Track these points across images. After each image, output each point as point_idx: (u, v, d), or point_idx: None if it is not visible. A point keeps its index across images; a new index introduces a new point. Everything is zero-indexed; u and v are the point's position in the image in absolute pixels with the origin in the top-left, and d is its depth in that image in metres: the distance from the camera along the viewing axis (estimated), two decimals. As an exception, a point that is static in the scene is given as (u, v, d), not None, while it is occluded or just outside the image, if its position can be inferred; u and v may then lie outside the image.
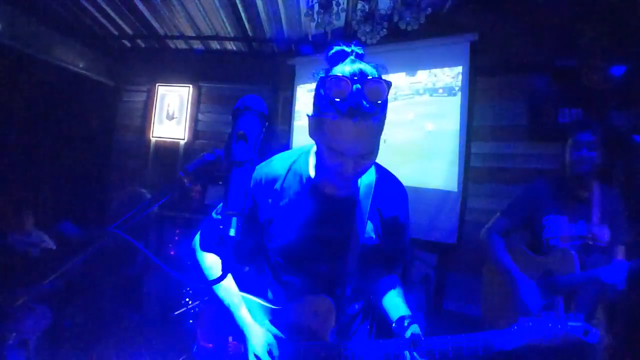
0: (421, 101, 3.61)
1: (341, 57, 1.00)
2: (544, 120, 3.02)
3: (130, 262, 4.19)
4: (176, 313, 3.49)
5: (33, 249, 3.50)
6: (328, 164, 1.05)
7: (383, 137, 1.02)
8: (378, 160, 1.11)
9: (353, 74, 0.94)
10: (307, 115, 1.07)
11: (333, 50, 1.01)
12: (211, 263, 1.27)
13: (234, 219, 0.76)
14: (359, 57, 1.01)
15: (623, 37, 2.79)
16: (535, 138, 3.09)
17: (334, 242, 1.17)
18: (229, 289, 1.23)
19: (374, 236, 1.19)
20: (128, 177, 4.75)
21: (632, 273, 1.78)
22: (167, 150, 4.68)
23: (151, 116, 4.72)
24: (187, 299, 3.59)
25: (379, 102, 0.93)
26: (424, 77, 3.61)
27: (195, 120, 4.69)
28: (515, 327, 1.11)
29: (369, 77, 0.94)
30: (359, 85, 0.92)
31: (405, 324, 1.12)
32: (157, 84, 4.71)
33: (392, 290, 1.27)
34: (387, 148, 3.75)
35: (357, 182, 1.18)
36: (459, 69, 3.39)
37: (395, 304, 1.23)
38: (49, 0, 3.72)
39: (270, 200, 1.20)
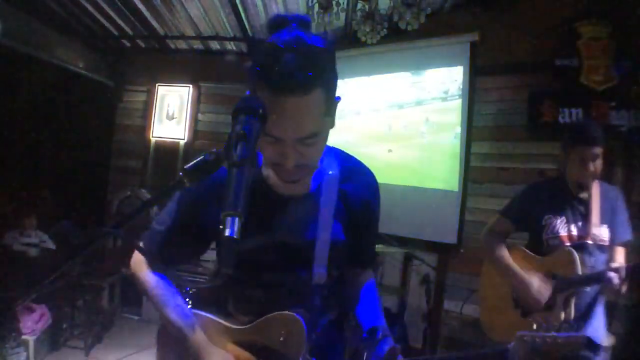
0: (421, 101, 3.61)
1: (281, 26, 0.86)
2: (544, 120, 3.02)
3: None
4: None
5: (33, 249, 3.50)
6: (266, 154, 0.89)
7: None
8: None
9: (289, 42, 0.80)
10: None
11: (272, 18, 0.86)
12: (159, 284, 1.09)
13: (234, 220, 0.75)
14: (303, 27, 0.86)
15: (623, 37, 2.79)
16: (535, 138, 3.09)
17: (297, 246, 1.02)
18: (178, 309, 1.05)
19: (342, 236, 1.04)
20: (128, 177, 4.76)
21: (633, 273, 1.78)
22: (167, 150, 4.69)
23: (151, 116, 4.72)
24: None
25: (318, 73, 0.80)
26: (424, 77, 3.61)
27: (195, 120, 4.69)
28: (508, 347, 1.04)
29: (305, 44, 0.80)
30: (292, 53, 0.78)
31: (378, 337, 1.01)
32: (157, 84, 4.71)
33: (366, 295, 1.15)
34: (388, 148, 3.75)
35: (316, 174, 1.02)
36: (459, 69, 3.39)
37: (368, 311, 1.11)
38: (49, 0, 3.72)
39: (216, 209, 0.96)
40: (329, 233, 1.02)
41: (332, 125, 0.92)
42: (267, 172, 1.02)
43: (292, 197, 1.02)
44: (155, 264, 1.08)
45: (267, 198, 1.02)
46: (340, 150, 1.10)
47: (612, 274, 1.74)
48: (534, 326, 1.04)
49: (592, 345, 1.05)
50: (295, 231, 1.02)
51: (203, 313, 1.10)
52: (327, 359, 1.07)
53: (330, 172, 1.04)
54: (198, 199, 1.02)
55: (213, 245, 1.06)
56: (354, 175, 1.08)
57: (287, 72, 0.78)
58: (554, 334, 1.02)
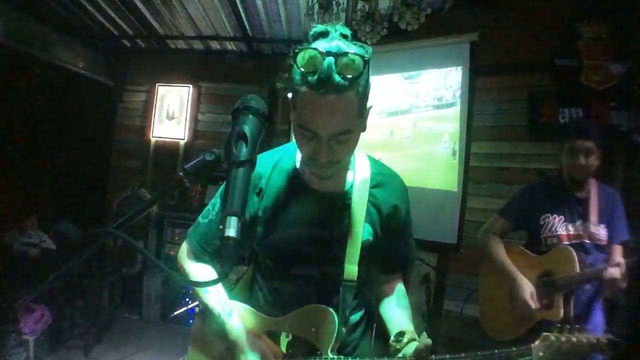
0: (422, 101, 3.61)
1: (323, 36, 0.96)
2: (544, 120, 3.02)
3: (130, 262, 4.20)
4: (176, 313, 3.50)
5: (33, 249, 3.50)
6: (303, 151, 0.99)
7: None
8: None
9: (329, 48, 0.90)
10: (286, 97, 1.01)
11: (316, 29, 0.96)
12: (200, 273, 1.16)
13: (234, 219, 0.75)
14: (343, 37, 0.95)
15: (623, 37, 2.79)
16: (535, 138, 3.09)
17: (327, 242, 1.07)
18: (218, 296, 1.11)
19: (371, 237, 1.09)
20: (128, 177, 4.76)
21: (632, 272, 1.79)
22: (167, 150, 4.68)
23: (151, 116, 4.72)
24: (187, 299, 3.60)
25: (353, 76, 0.89)
26: (425, 77, 3.61)
27: (195, 120, 4.69)
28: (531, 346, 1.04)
29: (343, 51, 0.89)
30: (332, 58, 0.88)
31: (405, 341, 1.01)
32: (157, 84, 4.71)
33: (394, 299, 1.18)
34: (388, 148, 3.75)
35: (349, 175, 1.11)
36: (459, 69, 3.39)
37: (395, 315, 1.13)
38: (49, 0, 3.72)
39: (256, 200, 1.11)
40: (360, 232, 1.07)
41: (363, 128, 1.01)
42: (303, 168, 1.11)
43: (326, 193, 1.09)
44: (199, 255, 1.15)
45: (302, 193, 1.09)
46: (372, 157, 1.18)
47: (613, 270, 1.75)
48: (559, 326, 1.05)
49: (617, 345, 1.04)
50: (329, 226, 1.07)
51: (239, 303, 1.15)
52: (353, 355, 1.10)
53: (362, 176, 1.11)
54: None
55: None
56: (385, 181, 1.14)
57: (325, 74, 0.87)
58: (578, 334, 1.03)
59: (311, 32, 0.96)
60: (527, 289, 1.90)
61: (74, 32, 4.21)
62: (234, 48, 4.53)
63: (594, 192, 1.94)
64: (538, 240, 1.98)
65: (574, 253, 1.84)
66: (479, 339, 2.88)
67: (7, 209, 3.69)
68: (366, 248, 1.08)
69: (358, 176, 1.11)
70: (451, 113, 3.42)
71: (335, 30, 0.95)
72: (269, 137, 2.48)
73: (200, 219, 1.17)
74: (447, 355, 0.96)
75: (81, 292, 3.65)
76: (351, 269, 1.06)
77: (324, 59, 0.88)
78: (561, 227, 1.94)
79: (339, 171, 1.06)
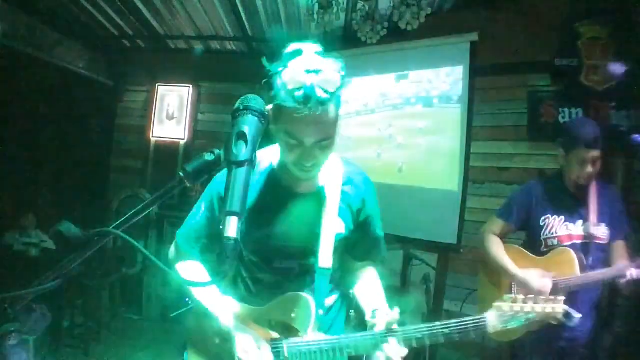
0: (422, 101, 3.61)
1: (299, 54, 1.05)
2: (544, 120, 3.02)
3: (130, 262, 4.19)
4: (176, 313, 3.49)
5: (33, 249, 3.50)
6: (288, 156, 1.10)
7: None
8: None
9: (309, 66, 1.00)
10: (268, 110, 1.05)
11: (290, 48, 1.06)
12: (191, 271, 1.29)
13: (234, 219, 0.76)
14: (317, 53, 1.06)
15: (623, 37, 2.79)
16: (535, 138, 3.09)
17: (304, 237, 1.20)
18: (209, 292, 1.24)
19: (344, 230, 1.23)
20: (128, 177, 4.76)
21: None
22: (167, 150, 4.68)
23: (151, 116, 4.72)
24: (187, 299, 3.59)
25: (333, 90, 1.00)
26: (425, 77, 3.61)
27: (195, 120, 4.69)
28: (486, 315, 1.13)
29: (323, 69, 1.00)
30: (314, 75, 0.98)
31: (380, 316, 1.15)
32: (157, 84, 4.71)
33: (368, 282, 1.33)
34: (388, 148, 3.75)
35: (321, 176, 1.22)
36: (459, 69, 3.39)
37: (370, 295, 1.28)
38: (49, 0, 3.72)
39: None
40: (333, 226, 1.20)
41: (338, 132, 1.11)
42: (281, 171, 1.22)
43: (302, 193, 1.21)
44: (187, 254, 1.29)
45: (282, 194, 1.21)
46: (342, 157, 1.29)
47: (634, 270, 1.74)
48: (512, 296, 1.12)
49: (569, 317, 1.11)
50: (306, 222, 1.20)
51: (226, 297, 1.28)
52: (331, 333, 1.23)
53: (334, 176, 1.24)
54: (221, 193, 1.17)
55: None
56: (353, 179, 1.27)
57: (309, 91, 0.97)
58: (531, 304, 1.10)
59: (286, 52, 1.05)
60: (534, 279, 1.87)
61: (74, 32, 4.21)
62: (234, 48, 4.53)
63: (593, 192, 1.94)
64: (538, 241, 1.98)
65: (574, 254, 1.83)
66: (478, 339, 2.89)
67: (7, 209, 3.69)
68: (339, 240, 1.22)
69: (330, 176, 1.24)
70: (451, 113, 3.42)
71: (309, 48, 1.05)
72: (269, 137, 2.47)
73: (188, 219, 1.29)
74: (411, 327, 1.12)
75: (81, 292, 3.65)
76: (326, 259, 1.20)
77: (307, 77, 0.98)
78: (561, 228, 1.93)
79: (319, 172, 1.18)
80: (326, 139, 1.06)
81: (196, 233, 1.26)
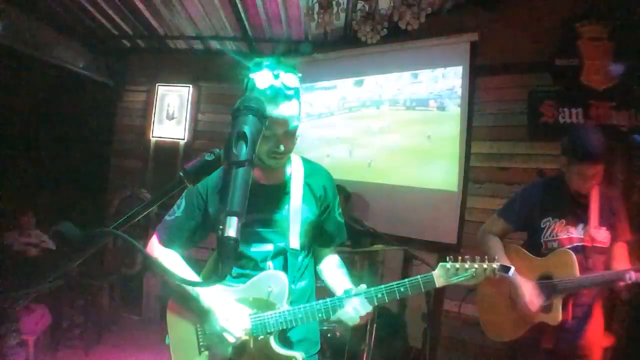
0: (422, 101, 3.61)
1: (263, 64, 1.31)
2: (544, 120, 3.02)
3: (130, 262, 4.19)
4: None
5: (33, 249, 3.50)
6: (262, 147, 1.28)
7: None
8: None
9: (274, 71, 1.27)
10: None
11: (254, 62, 1.34)
12: (169, 260, 1.42)
13: (234, 219, 0.76)
14: (277, 63, 1.32)
15: (623, 37, 2.79)
16: (535, 138, 3.09)
17: (276, 223, 1.39)
18: (189, 274, 1.41)
19: (309, 214, 1.42)
20: (128, 177, 4.76)
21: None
22: (167, 150, 4.69)
23: (151, 116, 4.72)
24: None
25: (294, 87, 1.27)
26: (425, 77, 3.61)
27: (195, 120, 4.70)
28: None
29: (283, 72, 1.27)
30: (277, 77, 1.26)
31: (352, 294, 1.33)
32: (157, 84, 4.72)
33: (336, 269, 1.52)
34: (388, 148, 3.75)
35: (286, 170, 1.43)
36: (459, 69, 3.39)
37: (339, 280, 1.47)
38: (49, 0, 3.72)
39: (201, 202, 1.40)
40: (299, 211, 1.40)
41: (299, 124, 1.34)
42: (256, 167, 1.34)
43: (271, 185, 1.41)
44: (167, 246, 1.43)
45: (253, 187, 1.19)
46: (302, 156, 1.50)
47: (633, 274, 1.74)
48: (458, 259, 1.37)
49: (506, 268, 1.38)
50: (277, 210, 1.40)
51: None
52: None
53: (297, 169, 1.45)
54: (200, 192, 1.40)
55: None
56: (314, 171, 1.48)
57: (277, 87, 1.25)
58: (470, 262, 1.39)
59: (252, 65, 1.33)
60: (527, 292, 1.89)
61: (74, 32, 4.22)
62: (234, 48, 4.53)
63: (594, 195, 1.93)
64: (538, 243, 1.97)
65: (574, 257, 1.83)
66: (478, 339, 2.89)
67: (7, 209, 3.69)
68: (307, 223, 1.41)
69: (294, 170, 1.45)
70: (451, 113, 3.42)
71: (269, 60, 1.31)
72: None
73: (166, 217, 1.43)
74: (371, 288, 1.33)
75: (81, 292, 3.65)
76: (295, 241, 1.38)
77: (273, 78, 1.25)
78: (562, 231, 1.92)
79: (286, 159, 1.40)
80: (294, 129, 1.30)
81: (173, 231, 1.41)
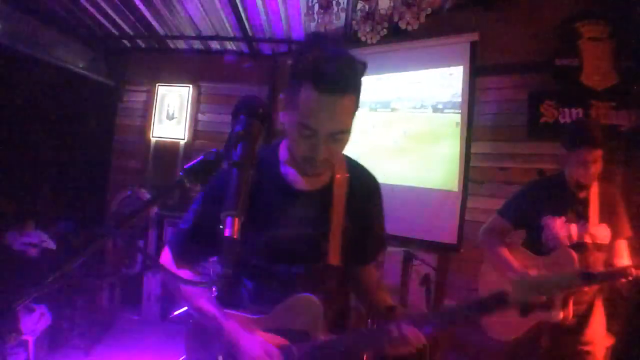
0: (422, 101, 3.61)
1: (321, 40, 1.05)
2: (544, 120, 3.02)
3: (130, 262, 4.19)
4: (176, 313, 3.49)
5: (33, 249, 3.50)
6: (299, 149, 1.04)
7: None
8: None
9: (334, 52, 0.99)
10: (281, 96, 1.07)
11: (313, 33, 1.07)
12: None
13: (234, 220, 0.75)
14: (337, 43, 1.07)
15: (623, 37, 2.79)
16: (535, 138, 3.09)
17: (312, 237, 1.15)
18: (209, 298, 1.18)
19: (352, 227, 1.19)
20: (128, 177, 4.75)
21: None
22: (167, 150, 4.68)
23: (151, 116, 4.72)
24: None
25: (353, 80, 0.99)
26: (425, 77, 3.61)
27: (195, 120, 4.69)
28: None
29: (344, 57, 0.98)
30: (337, 61, 0.96)
31: (396, 312, 1.16)
32: (157, 84, 4.71)
33: (375, 284, 1.32)
34: (388, 148, 3.75)
35: (328, 174, 1.17)
36: (460, 69, 3.38)
37: (379, 297, 1.27)
38: (49, 0, 3.72)
39: None
40: (341, 225, 1.16)
41: (352, 130, 1.05)
42: (287, 169, 1.16)
43: (310, 193, 1.16)
44: (179, 260, 1.21)
45: (288, 194, 1.15)
46: (348, 156, 1.24)
47: (634, 271, 1.74)
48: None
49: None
50: (314, 222, 1.15)
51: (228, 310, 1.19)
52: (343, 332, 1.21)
53: (341, 174, 1.20)
54: (215, 198, 1.07)
55: None
56: (361, 178, 1.24)
57: (330, 75, 0.94)
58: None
59: (307, 37, 1.06)
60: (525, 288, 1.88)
61: (74, 32, 4.21)
62: (234, 48, 4.53)
63: (594, 192, 1.94)
64: (538, 242, 1.98)
65: (575, 255, 1.83)
66: (478, 338, 2.88)
67: (7, 209, 3.68)
68: (347, 239, 1.18)
69: (337, 174, 1.19)
70: (451, 113, 3.42)
71: (333, 35, 1.01)
72: (269, 137, 2.48)
73: (180, 224, 1.22)
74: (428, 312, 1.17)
75: (81, 292, 3.65)
76: (334, 259, 1.16)
77: (331, 62, 0.95)
78: (562, 229, 1.93)
79: (329, 169, 1.14)
80: (341, 131, 1.01)
81: (187, 240, 1.20)
